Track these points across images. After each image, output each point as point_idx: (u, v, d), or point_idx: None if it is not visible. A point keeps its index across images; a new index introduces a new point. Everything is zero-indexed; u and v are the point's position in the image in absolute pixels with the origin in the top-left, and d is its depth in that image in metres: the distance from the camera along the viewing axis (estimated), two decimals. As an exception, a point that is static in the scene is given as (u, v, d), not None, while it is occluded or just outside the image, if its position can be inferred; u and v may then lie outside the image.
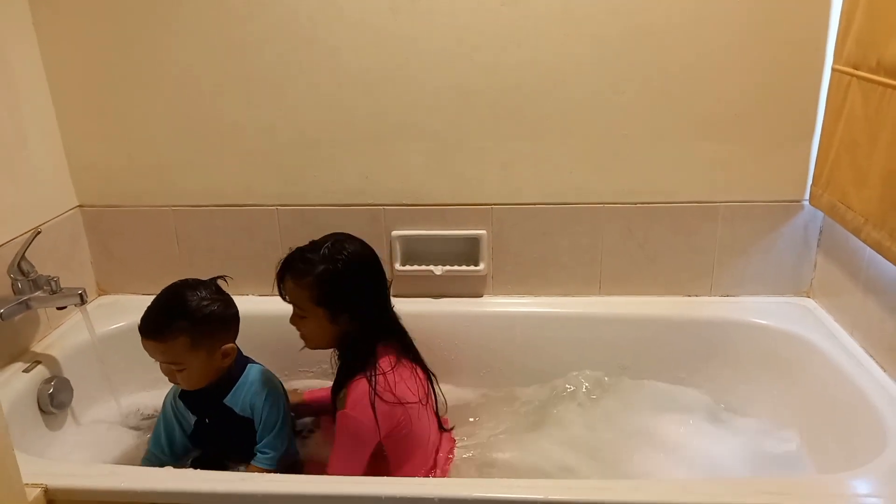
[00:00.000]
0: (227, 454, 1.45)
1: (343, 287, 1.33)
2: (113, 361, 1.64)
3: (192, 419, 1.46)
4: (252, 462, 1.41)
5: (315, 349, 1.41)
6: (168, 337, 1.32)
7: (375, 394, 1.29)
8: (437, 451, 1.46)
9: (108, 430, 1.60)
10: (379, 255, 1.36)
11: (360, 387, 1.30)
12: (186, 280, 1.40)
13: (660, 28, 1.56)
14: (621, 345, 1.71)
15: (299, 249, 1.36)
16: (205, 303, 1.36)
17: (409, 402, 1.34)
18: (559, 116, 1.64)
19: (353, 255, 1.35)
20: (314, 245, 1.36)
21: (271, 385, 1.45)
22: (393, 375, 1.33)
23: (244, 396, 1.42)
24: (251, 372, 1.44)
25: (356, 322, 1.35)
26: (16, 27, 1.60)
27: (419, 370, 1.43)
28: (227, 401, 1.41)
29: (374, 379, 1.31)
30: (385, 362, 1.34)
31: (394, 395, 1.31)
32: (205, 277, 1.41)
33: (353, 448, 1.30)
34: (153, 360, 1.36)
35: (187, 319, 1.33)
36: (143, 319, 1.34)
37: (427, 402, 1.43)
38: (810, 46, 1.55)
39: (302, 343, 1.40)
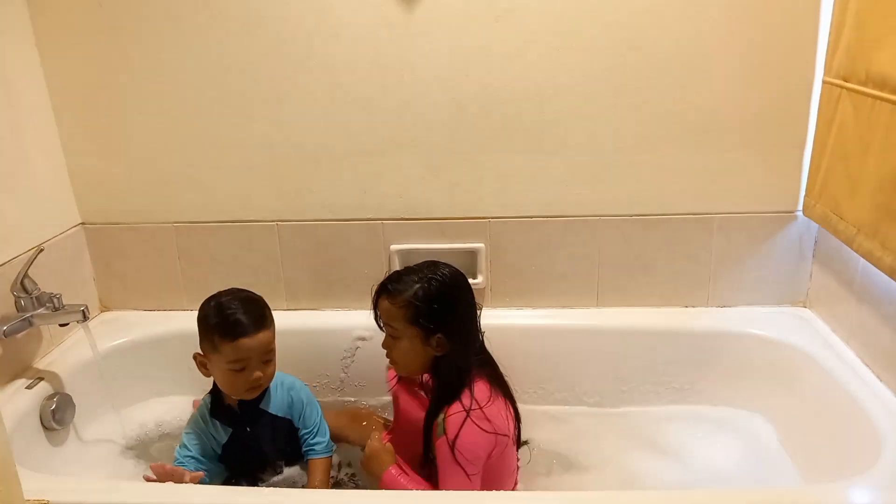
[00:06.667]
0: (264, 464, 1.47)
1: (437, 306, 1.32)
2: (115, 377, 1.66)
3: (225, 437, 1.44)
4: (310, 457, 1.46)
5: (406, 374, 1.43)
6: (271, 323, 1.38)
7: (468, 417, 1.28)
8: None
9: (110, 446, 1.61)
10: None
11: (459, 412, 1.29)
12: (221, 291, 1.41)
13: (652, 41, 1.58)
14: (619, 356, 1.72)
15: (396, 272, 1.38)
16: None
17: (503, 434, 1.31)
18: (554, 129, 1.66)
19: (448, 275, 1.36)
20: (409, 268, 1.38)
21: (299, 381, 1.51)
22: (491, 406, 1.31)
23: (278, 397, 1.46)
24: (277, 374, 1.45)
25: (449, 344, 1.34)
26: (18, 45, 1.62)
27: (510, 405, 1.38)
28: (263, 405, 1.44)
29: (472, 404, 1.29)
30: (480, 392, 1.32)
31: (491, 424, 1.29)
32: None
33: (463, 474, 1.27)
34: (237, 369, 1.33)
35: (268, 308, 1.40)
36: (238, 320, 1.32)
37: (515, 440, 1.40)
38: (801, 59, 1.58)
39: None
